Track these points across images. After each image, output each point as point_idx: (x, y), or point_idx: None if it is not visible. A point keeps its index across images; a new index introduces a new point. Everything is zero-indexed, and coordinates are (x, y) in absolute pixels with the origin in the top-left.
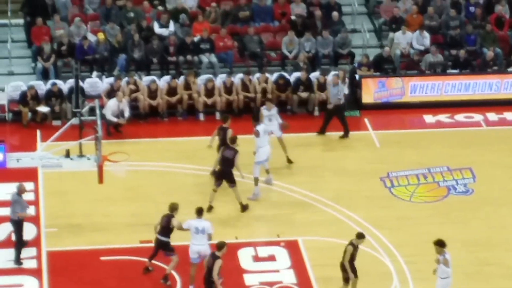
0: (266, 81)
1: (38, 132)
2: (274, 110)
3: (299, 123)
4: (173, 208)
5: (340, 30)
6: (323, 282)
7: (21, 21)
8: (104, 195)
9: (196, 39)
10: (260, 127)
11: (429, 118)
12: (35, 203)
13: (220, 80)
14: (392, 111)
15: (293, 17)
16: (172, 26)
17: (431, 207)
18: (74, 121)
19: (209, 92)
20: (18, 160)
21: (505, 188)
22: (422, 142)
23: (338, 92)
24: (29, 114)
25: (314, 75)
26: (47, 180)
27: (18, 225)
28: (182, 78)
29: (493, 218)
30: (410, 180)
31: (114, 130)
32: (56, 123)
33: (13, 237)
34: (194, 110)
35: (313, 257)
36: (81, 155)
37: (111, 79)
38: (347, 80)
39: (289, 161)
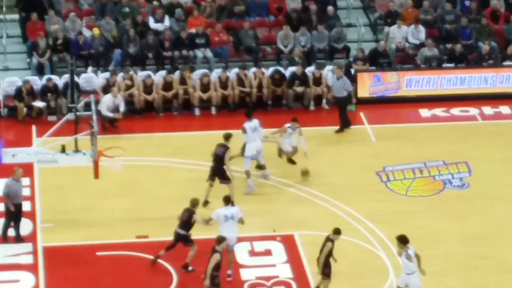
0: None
1: (33, 128)
2: (297, 130)
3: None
4: (194, 203)
5: (335, 24)
6: (317, 276)
7: (16, 16)
8: (100, 190)
9: (191, 33)
10: (247, 124)
11: (424, 112)
12: (31, 198)
13: (215, 75)
14: (388, 105)
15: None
16: (167, 21)
17: (427, 201)
18: (70, 116)
19: (205, 87)
20: (13, 155)
21: (501, 182)
22: (418, 136)
23: (344, 84)
24: (25, 109)
25: (310, 70)
26: (43, 176)
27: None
28: (177, 73)
29: (489, 212)
30: (406, 174)
31: (109, 125)
32: (51, 118)
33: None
34: (189, 105)
35: (310, 251)
36: (76, 151)
37: (106, 74)
38: (335, 72)
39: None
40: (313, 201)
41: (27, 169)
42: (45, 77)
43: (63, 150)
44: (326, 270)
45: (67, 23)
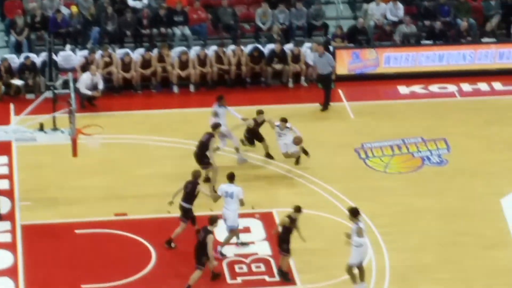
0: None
1: (11, 106)
2: (287, 130)
3: (274, 95)
4: (197, 175)
5: (313, 1)
6: (298, 253)
7: None
8: (78, 168)
9: (169, 11)
10: (216, 108)
11: (403, 89)
12: (9, 176)
13: (194, 52)
14: (367, 82)
15: None
16: None
17: (406, 178)
18: (48, 94)
19: (183, 65)
20: None
21: (480, 158)
22: (397, 113)
23: (328, 60)
24: (3, 87)
25: (288, 47)
26: (21, 154)
27: None
28: (155, 50)
29: (468, 188)
30: (384, 151)
31: (88, 103)
32: (29, 96)
33: None
34: (168, 83)
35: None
36: (55, 129)
37: (84, 52)
38: (317, 49)
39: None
40: (291, 178)
41: (5, 147)
42: (23, 55)
43: (41, 128)
44: (284, 246)
45: (45, 1)
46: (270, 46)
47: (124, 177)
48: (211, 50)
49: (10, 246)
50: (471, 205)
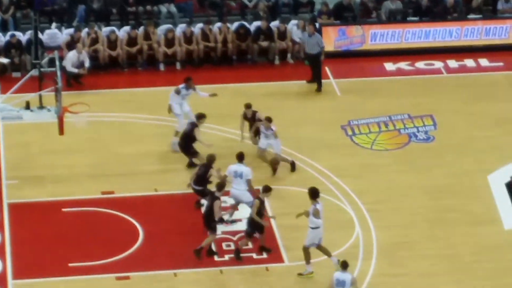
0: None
1: None
2: (271, 132)
3: (260, 72)
4: (211, 159)
5: None
6: (284, 230)
7: None
8: (65, 147)
9: None
10: (183, 90)
11: (389, 66)
12: None
13: (180, 30)
14: (353, 59)
15: None
16: None
17: (393, 154)
18: (34, 72)
19: (169, 42)
20: None
21: (466, 135)
22: (383, 90)
23: (317, 40)
24: None
25: (274, 24)
26: (7, 132)
27: None
28: (141, 28)
29: (455, 165)
30: (371, 128)
31: (74, 82)
32: (15, 74)
33: None
34: (154, 61)
35: (276, 206)
36: (41, 107)
37: (70, 30)
38: (307, 28)
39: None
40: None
41: None
42: (9, 33)
43: (27, 106)
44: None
45: None
46: (256, 23)
47: (111, 155)
48: (197, 27)
49: None
50: (458, 182)
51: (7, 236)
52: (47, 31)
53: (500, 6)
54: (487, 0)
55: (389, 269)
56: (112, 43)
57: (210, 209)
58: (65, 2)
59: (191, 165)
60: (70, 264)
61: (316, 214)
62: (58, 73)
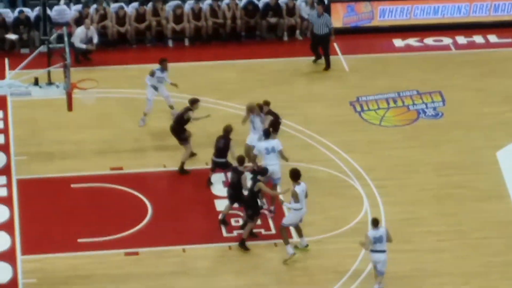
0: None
1: (6, 60)
2: (258, 119)
3: (268, 49)
4: (228, 130)
5: None
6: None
7: None
8: (74, 123)
9: None
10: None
11: (398, 42)
12: (4, 131)
13: (188, 6)
14: (362, 35)
15: None
16: None
17: (401, 130)
18: (42, 48)
19: (178, 19)
20: None
21: (475, 111)
22: (392, 66)
23: (326, 21)
24: None
25: (283, 0)
26: (16, 108)
27: None
28: (150, 4)
29: (463, 141)
30: (380, 104)
31: (83, 58)
32: (24, 51)
33: None
34: (162, 37)
35: (284, 182)
36: (49, 83)
37: (79, 6)
38: (316, 5)
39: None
40: (286, 131)
41: (0, 102)
42: (18, 9)
43: (36, 82)
44: (249, 211)
45: None
46: None
47: (120, 131)
48: (206, 3)
49: (6, 201)
50: (467, 158)
51: (16, 212)
52: (56, 7)
53: None
54: None
55: (397, 245)
56: (120, 19)
57: (238, 184)
58: None
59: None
60: (79, 240)
61: (295, 196)
62: (67, 49)
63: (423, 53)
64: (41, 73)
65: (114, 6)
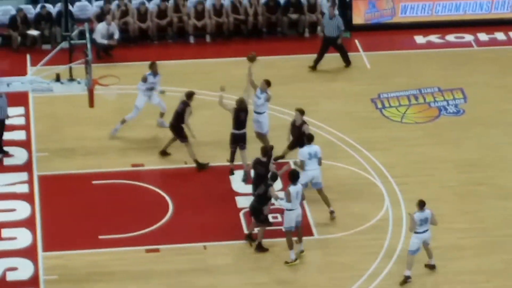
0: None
1: (28, 56)
2: (264, 95)
3: (290, 45)
4: (243, 101)
5: None
6: (313, 204)
7: None
8: (95, 119)
9: None
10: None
11: (419, 38)
12: (26, 127)
13: (210, 2)
14: (383, 32)
15: None
16: None
17: (422, 127)
18: (64, 45)
19: (199, 15)
20: (8, 84)
21: (496, 108)
22: (413, 63)
23: (338, 23)
24: (19, 38)
25: None
26: (38, 104)
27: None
28: (171, 0)
29: (485, 138)
30: (401, 101)
31: (104, 54)
32: (46, 47)
33: None
34: (184, 33)
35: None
36: (71, 79)
37: (100, 2)
38: (328, 10)
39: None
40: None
41: (22, 98)
42: (39, 5)
43: (57, 78)
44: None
45: None
46: None
47: (141, 127)
48: (227, 0)
49: (28, 197)
50: (488, 155)
51: (37, 209)
52: (77, 3)
53: None
54: None
55: None
56: (142, 16)
57: (263, 177)
58: None
59: (164, 153)
60: (100, 237)
61: (287, 196)
62: (88, 45)
63: (444, 50)
64: (62, 69)
65: (135, 2)
